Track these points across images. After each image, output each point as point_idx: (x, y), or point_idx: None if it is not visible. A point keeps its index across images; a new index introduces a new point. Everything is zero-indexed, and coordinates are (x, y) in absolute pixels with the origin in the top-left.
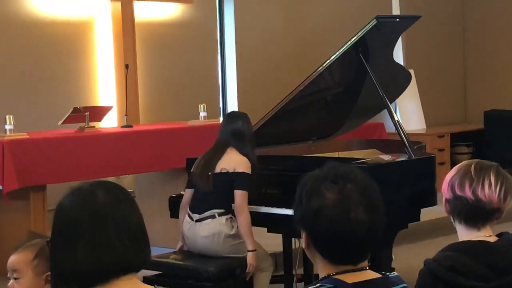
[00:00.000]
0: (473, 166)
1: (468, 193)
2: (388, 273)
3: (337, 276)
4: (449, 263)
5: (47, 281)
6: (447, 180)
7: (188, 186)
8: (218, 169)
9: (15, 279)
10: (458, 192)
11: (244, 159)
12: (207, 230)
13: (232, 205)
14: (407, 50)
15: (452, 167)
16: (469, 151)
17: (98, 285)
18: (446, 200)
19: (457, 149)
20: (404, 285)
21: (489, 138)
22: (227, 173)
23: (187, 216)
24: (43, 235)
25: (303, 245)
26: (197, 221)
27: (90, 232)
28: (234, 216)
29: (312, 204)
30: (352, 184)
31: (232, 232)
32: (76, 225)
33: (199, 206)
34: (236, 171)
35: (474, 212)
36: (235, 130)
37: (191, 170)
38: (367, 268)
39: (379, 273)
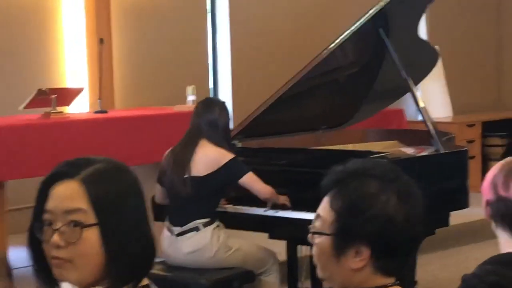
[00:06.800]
0: None
1: None
2: None
3: None
4: (493, 278)
5: None
6: (489, 179)
7: (159, 181)
8: (197, 170)
9: None
10: (501, 192)
11: (220, 148)
12: (190, 246)
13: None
14: (431, 22)
15: (483, 161)
16: (504, 143)
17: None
18: (487, 202)
19: (489, 141)
20: None
21: None
22: (212, 173)
23: (166, 229)
24: None
25: (357, 265)
26: (178, 235)
27: (145, 212)
28: (222, 222)
29: (384, 209)
30: (407, 180)
31: (220, 243)
32: (141, 198)
33: (179, 217)
34: (222, 164)
35: None
36: (210, 120)
37: (161, 167)
38: None
39: None
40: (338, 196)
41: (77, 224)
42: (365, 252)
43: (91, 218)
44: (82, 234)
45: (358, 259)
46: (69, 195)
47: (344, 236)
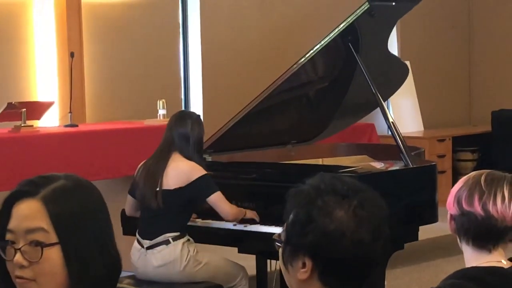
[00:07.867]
0: (483, 177)
1: (477, 208)
2: None
3: None
4: None
5: None
6: (453, 193)
7: (131, 193)
8: (167, 184)
9: None
10: (465, 207)
11: (192, 163)
12: (160, 259)
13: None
14: (403, 38)
15: (454, 176)
16: (474, 158)
17: None
18: (452, 217)
19: (460, 156)
20: None
21: (497, 143)
22: (181, 188)
23: (136, 242)
24: None
25: (302, 276)
26: (148, 248)
27: (109, 229)
28: (191, 236)
29: (334, 223)
30: (366, 198)
31: (190, 257)
32: (104, 215)
33: (149, 230)
34: (192, 180)
35: (485, 231)
36: (182, 133)
37: (134, 179)
38: None
39: None
40: (289, 208)
41: (38, 244)
42: (308, 264)
43: (52, 237)
44: (44, 254)
45: (303, 270)
46: (29, 214)
47: (289, 246)
